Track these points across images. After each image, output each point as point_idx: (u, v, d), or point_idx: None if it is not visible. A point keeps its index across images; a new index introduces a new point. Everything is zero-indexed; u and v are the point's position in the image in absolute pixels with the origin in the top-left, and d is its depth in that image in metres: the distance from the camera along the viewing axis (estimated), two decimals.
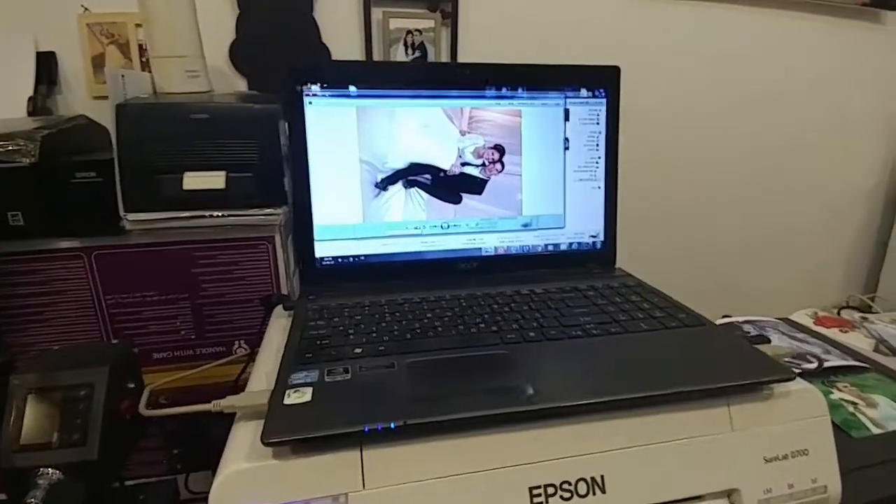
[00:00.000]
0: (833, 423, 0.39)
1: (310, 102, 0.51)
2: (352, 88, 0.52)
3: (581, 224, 0.58)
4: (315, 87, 0.51)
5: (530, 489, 0.33)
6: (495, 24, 0.88)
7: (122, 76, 0.55)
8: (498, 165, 0.55)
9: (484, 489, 0.32)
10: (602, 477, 0.34)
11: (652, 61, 0.96)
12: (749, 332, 0.79)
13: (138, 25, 0.75)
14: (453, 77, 0.54)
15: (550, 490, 0.33)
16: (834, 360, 0.70)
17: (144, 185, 0.53)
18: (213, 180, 0.53)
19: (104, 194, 0.52)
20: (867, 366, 0.71)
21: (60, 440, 0.38)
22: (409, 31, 0.84)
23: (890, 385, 0.67)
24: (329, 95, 0.52)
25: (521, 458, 0.33)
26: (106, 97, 0.54)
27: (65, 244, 0.54)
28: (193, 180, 0.53)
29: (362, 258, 0.54)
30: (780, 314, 0.90)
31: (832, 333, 0.81)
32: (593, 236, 0.59)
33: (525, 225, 0.57)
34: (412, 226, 0.55)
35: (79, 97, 0.77)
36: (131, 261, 0.56)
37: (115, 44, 0.76)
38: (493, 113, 0.55)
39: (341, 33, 0.83)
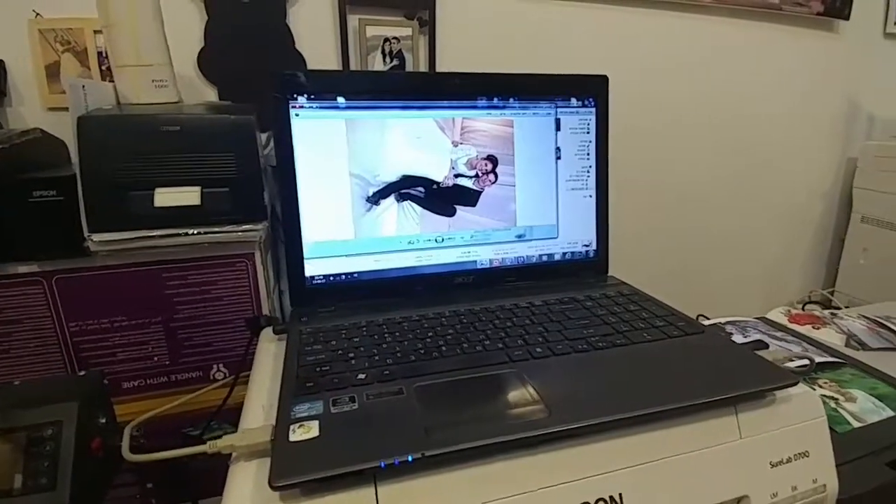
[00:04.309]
0: None
1: (297, 115, 0.49)
2: (340, 100, 0.50)
3: (574, 233, 0.58)
4: (302, 99, 0.49)
5: None
6: (473, 32, 0.87)
7: (83, 86, 0.52)
8: (491, 176, 0.54)
9: None
10: (620, 495, 0.33)
11: (624, 68, 0.97)
12: (731, 333, 0.81)
13: (97, 32, 0.71)
14: (444, 87, 0.53)
15: None
16: (819, 358, 0.72)
17: (111, 202, 0.50)
18: (188, 196, 0.51)
19: (65, 214, 0.49)
20: (843, 361, 0.73)
21: (25, 485, 0.36)
22: (386, 39, 0.82)
23: (865, 379, 0.70)
24: (317, 107, 0.49)
25: (542, 482, 0.32)
26: (62, 108, 0.50)
27: (22, 269, 0.51)
28: (166, 196, 0.51)
29: (355, 275, 0.52)
30: (745, 310, 0.93)
31: (806, 330, 0.84)
32: (586, 245, 0.59)
33: (519, 236, 0.56)
34: (406, 240, 0.53)
35: (31, 109, 0.72)
36: (97, 284, 0.53)
37: (71, 51, 0.71)
38: (486, 123, 0.54)
39: (316, 41, 0.80)
